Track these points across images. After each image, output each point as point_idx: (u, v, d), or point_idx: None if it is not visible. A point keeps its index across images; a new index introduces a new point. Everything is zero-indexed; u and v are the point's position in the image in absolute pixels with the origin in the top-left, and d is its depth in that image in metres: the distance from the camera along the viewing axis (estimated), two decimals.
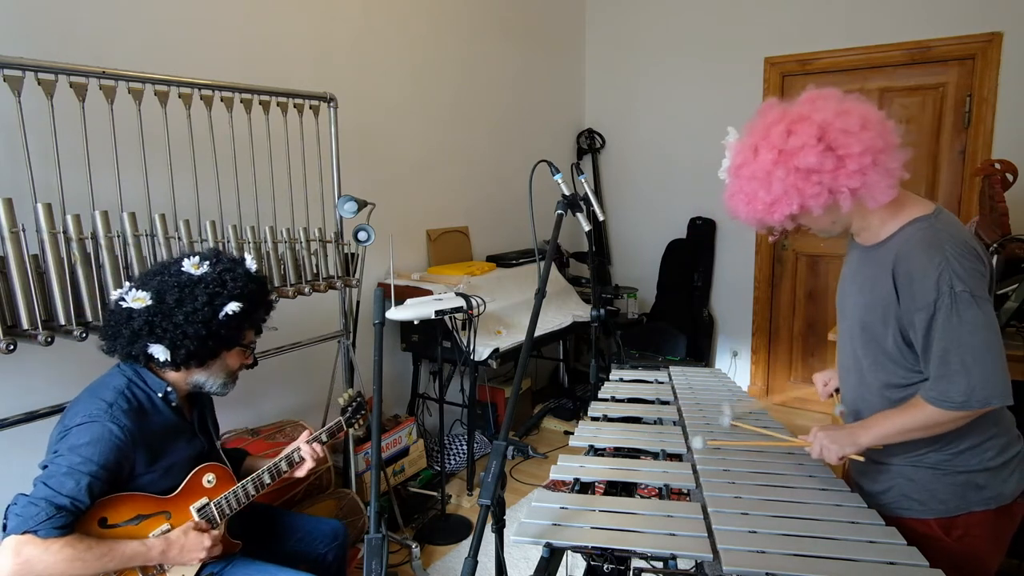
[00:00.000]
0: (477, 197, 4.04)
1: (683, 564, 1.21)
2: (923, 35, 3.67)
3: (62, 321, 1.68)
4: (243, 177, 2.23)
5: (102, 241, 1.77)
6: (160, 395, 1.54)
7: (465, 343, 2.95)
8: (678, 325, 4.45)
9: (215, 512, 1.59)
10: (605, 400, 2.08)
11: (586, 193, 1.78)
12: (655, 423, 1.95)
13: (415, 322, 2.91)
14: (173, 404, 1.57)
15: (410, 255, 3.58)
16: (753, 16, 4.20)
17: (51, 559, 1.29)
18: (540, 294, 1.35)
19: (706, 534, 1.25)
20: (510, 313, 3.48)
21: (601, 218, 1.82)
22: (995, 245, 2.43)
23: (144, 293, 1.49)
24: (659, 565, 1.23)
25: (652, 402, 2.07)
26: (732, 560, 1.16)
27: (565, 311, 3.82)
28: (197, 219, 2.08)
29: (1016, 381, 2.10)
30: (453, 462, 3.44)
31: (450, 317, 2.82)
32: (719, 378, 2.31)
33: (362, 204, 2.46)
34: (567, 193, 1.71)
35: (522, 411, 4.12)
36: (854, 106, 1.27)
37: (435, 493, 3.05)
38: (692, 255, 4.59)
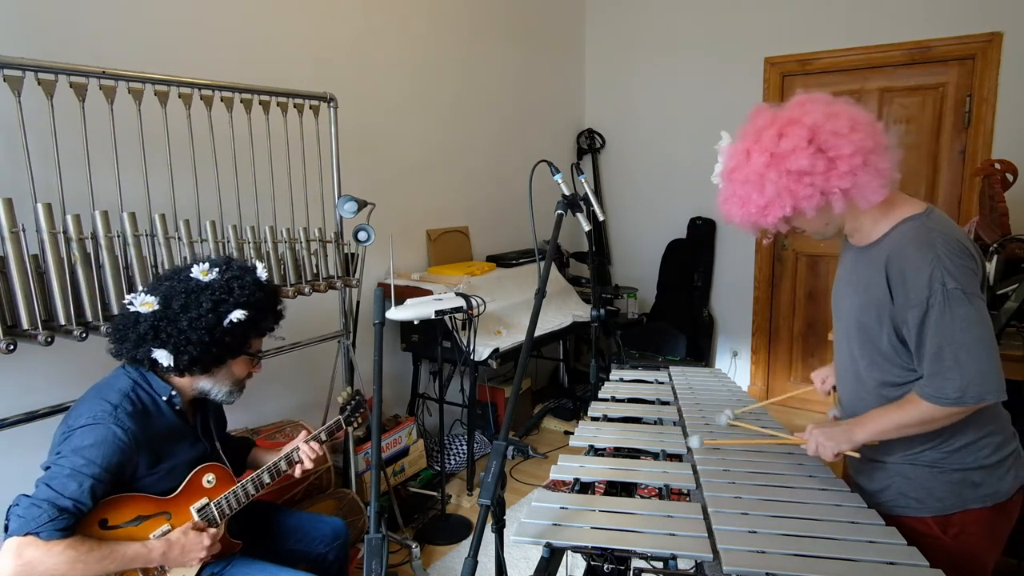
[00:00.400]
0: (477, 197, 4.04)
1: (683, 564, 1.21)
2: (923, 35, 3.67)
3: (62, 321, 1.68)
4: (243, 177, 2.23)
5: (102, 241, 1.77)
6: (164, 399, 1.54)
7: (465, 343, 2.95)
8: (678, 325, 4.46)
9: (215, 512, 1.59)
10: (605, 400, 2.08)
11: (586, 193, 1.78)
12: (655, 423, 1.95)
13: (415, 322, 2.91)
14: (177, 408, 1.57)
15: (410, 255, 3.58)
16: (753, 16, 4.20)
17: (53, 561, 1.29)
18: (540, 294, 1.35)
19: (706, 534, 1.25)
20: (510, 313, 3.48)
21: (601, 218, 1.82)
22: (995, 245, 2.43)
23: (152, 298, 1.50)
24: (659, 565, 1.23)
25: (652, 402, 2.07)
26: (732, 560, 1.16)
27: (565, 311, 3.82)
28: (197, 219, 2.08)
29: (1015, 380, 2.11)
30: (453, 462, 3.44)
31: (450, 317, 2.82)
32: (719, 378, 2.31)
33: (362, 204, 2.46)
34: (567, 193, 1.71)
35: (522, 411, 4.12)
36: (843, 108, 1.29)
37: (435, 493, 3.05)
38: (692, 255, 4.59)
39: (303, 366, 2.88)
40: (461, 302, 2.70)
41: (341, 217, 2.54)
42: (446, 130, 3.75)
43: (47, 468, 1.39)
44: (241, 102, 2.20)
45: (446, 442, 3.41)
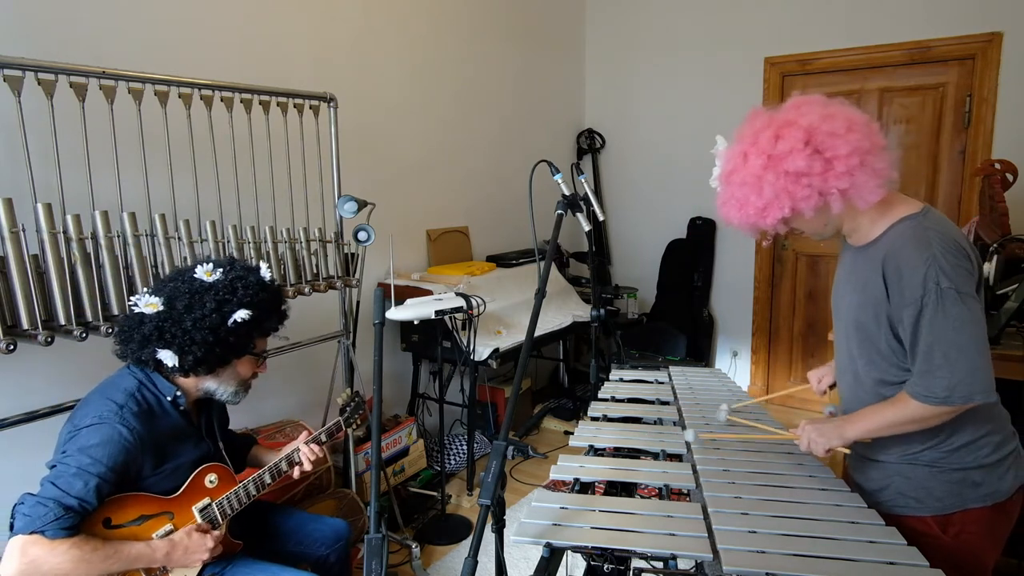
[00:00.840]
0: (477, 197, 4.04)
1: (683, 564, 1.21)
2: (923, 35, 3.67)
3: (62, 321, 1.68)
4: (243, 177, 2.23)
5: (102, 241, 1.77)
6: (169, 399, 1.55)
7: (465, 343, 2.95)
8: (678, 325, 4.46)
9: (217, 512, 1.60)
10: (605, 400, 2.08)
11: (586, 193, 1.78)
12: (655, 423, 1.95)
13: (415, 322, 2.91)
14: (182, 408, 1.58)
15: (410, 255, 3.58)
16: (753, 16, 4.20)
17: (57, 560, 1.29)
18: (540, 294, 1.35)
19: (706, 534, 1.25)
20: (510, 313, 3.48)
21: (601, 218, 1.82)
22: (995, 245, 2.43)
23: (156, 299, 1.50)
24: (659, 565, 1.23)
25: (652, 402, 2.07)
26: (732, 560, 1.16)
27: (565, 311, 3.82)
28: (197, 219, 2.08)
29: (1015, 381, 2.12)
30: (453, 462, 3.44)
31: (450, 317, 2.82)
32: (719, 378, 2.31)
33: (362, 204, 2.46)
34: (567, 193, 1.71)
35: (522, 411, 4.12)
36: (839, 110, 1.30)
37: (435, 493, 3.05)
38: (692, 255, 4.59)
39: (303, 366, 2.88)
40: (461, 302, 2.70)
41: (341, 217, 2.54)
42: (446, 130, 3.75)
43: (53, 467, 1.39)
44: (241, 102, 2.20)
45: (446, 442, 3.41)
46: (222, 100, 2.15)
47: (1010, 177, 2.78)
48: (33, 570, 1.28)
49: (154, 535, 1.47)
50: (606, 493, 1.64)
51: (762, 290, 4.44)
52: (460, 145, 3.87)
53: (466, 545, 2.73)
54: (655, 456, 1.68)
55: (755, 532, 1.25)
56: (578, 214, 1.74)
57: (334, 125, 2.53)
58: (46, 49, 1.93)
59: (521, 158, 4.33)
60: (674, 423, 1.89)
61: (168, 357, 1.48)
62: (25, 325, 1.62)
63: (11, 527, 1.35)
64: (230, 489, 1.64)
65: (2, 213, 1.57)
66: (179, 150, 2.05)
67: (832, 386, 1.75)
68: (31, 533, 1.29)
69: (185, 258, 2.01)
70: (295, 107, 2.41)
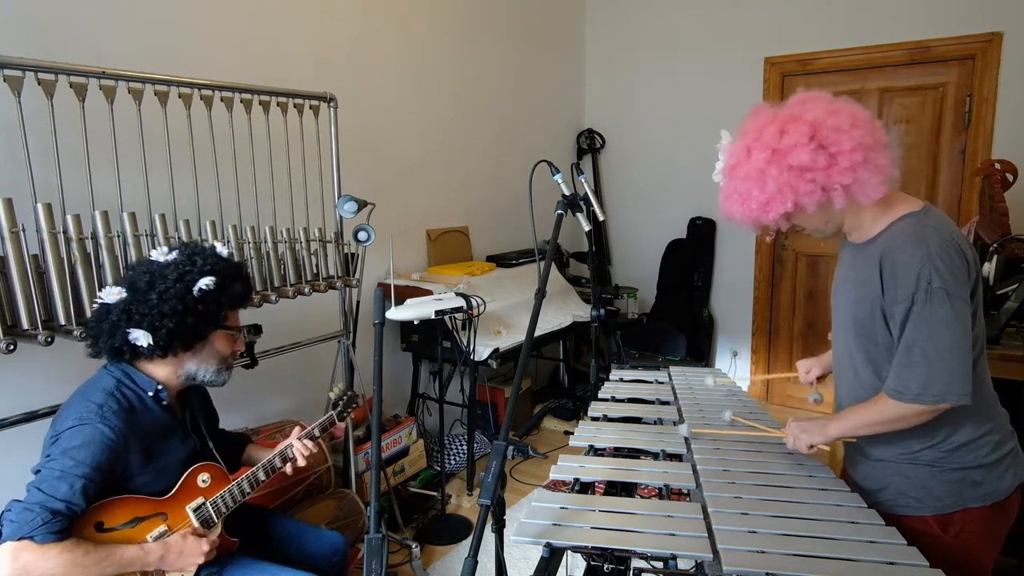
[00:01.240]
0: (477, 197, 4.04)
1: (683, 564, 1.21)
2: (923, 35, 3.67)
3: (62, 321, 1.68)
4: (243, 177, 2.23)
5: (102, 241, 1.77)
6: (151, 394, 1.53)
7: (465, 343, 2.95)
8: (678, 325, 4.45)
9: (211, 511, 1.59)
10: (605, 400, 2.08)
11: (586, 193, 1.78)
12: (655, 423, 1.95)
13: (415, 322, 2.91)
14: (164, 403, 1.56)
15: (410, 255, 3.58)
16: (753, 16, 4.20)
17: (49, 564, 1.28)
18: (540, 294, 1.35)
19: (706, 534, 1.25)
20: (510, 313, 3.48)
21: (601, 218, 1.82)
22: (995, 245, 2.43)
23: (117, 288, 1.50)
24: (659, 565, 1.23)
25: (652, 402, 2.07)
26: (732, 560, 1.16)
27: (565, 311, 3.82)
28: (197, 219, 2.07)
29: (1015, 381, 2.12)
30: (453, 462, 3.44)
31: (450, 317, 2.82)
32: (719, 378, 2.30)
33: (362, 204, 2.46)
34: (567, 193, 1.71)
35: (522, 411, 4.12)
36: (844, 106, 1.30)
37: (435, 493, 3.05)
38: (692, 255, 4.58)
39: (303, 366, 2.88)
40: (461, 302, 2.70)
41: (341, 217, 2.54)
42: (446, 130, 3.75)
43: (37, 472, 1.38)
44: (241, 102, 2.20)
45: (446, 442, 3.41)
46: (222, 100, 2.15)
47: (1010, 177, 2.78)
48: None
49: (148, 537, 1.46)
50: (606, 493, 1.64)
51: (762, 290, 4.44)
52: (460, 145, 3.87)
53: (466, 545, 2.73)
54: (655, 456, 1.68)
55: (755, 532, 1.25)
56: (578, 214, 1.74)
57: (334, 125, 2.53)
58: (46, 49, 1.93)
59: (521, 158, 4.33)
60: (674, 423, 1.89)
61: (142, 336, 1.46)
62: (25, 325, 1.61)
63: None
64: (224, 487, 1.63)
65: (2, 213, 1.57)
66: (179, 150, 2.05)
67: (820, 378, 1.79)
68: (20, 539, 1.27)
69: None
70: (295, 107, 2.41)
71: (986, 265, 2.40)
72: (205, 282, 1.51)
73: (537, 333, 1.86)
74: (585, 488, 1.56)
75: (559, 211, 1.63)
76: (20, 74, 1.64)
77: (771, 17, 4.13)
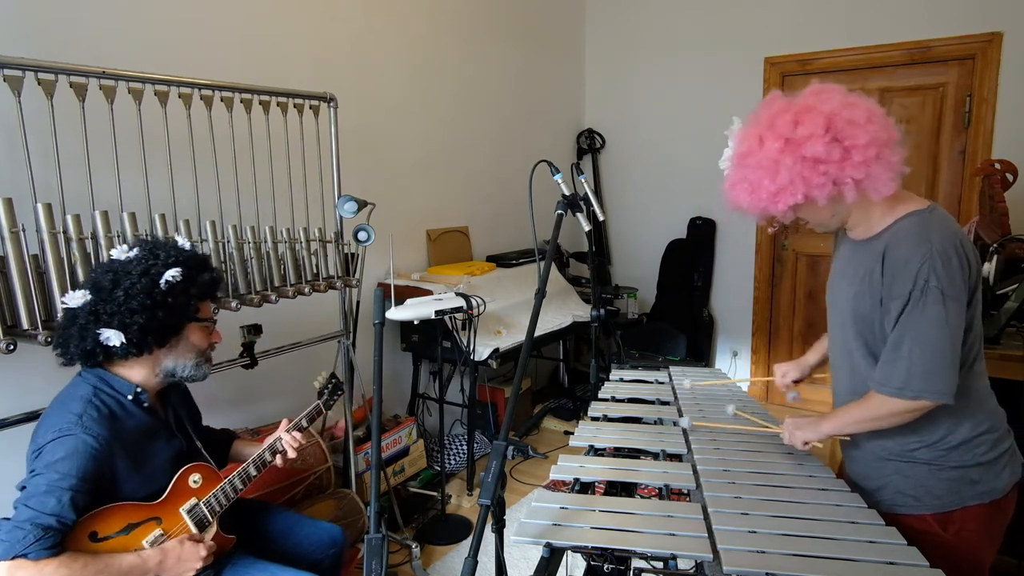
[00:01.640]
0: (477, 197, 4.04)
1: (683, 564, 1.21)
2: (923, 35, 3.67)
3: None
4: (243, 177, 2.22)
5: (102, 241, 1.77)
6: (130, 397, 1.51)
7: (465, 343, 2.95)
8: (678, 325, 4.45)
9: (205, 511, 1.58)
10: (605, 400, 2.08)
11: (586, 193, 1.78)
12: (655, 423, 1.95)
13: (415, 322, 2.91)
14: (145, 405, 1.54)
15: (410, 255, 3.58)
16: (753, 16, 4.20)
17: None
18: (540, 294, 1.35)
19: (706, 534, 1.25)
20: (510, 313, 3.48)
21: (601, 218, 1.82)
22: (995, 245, 2.43)
23: (80, 291, 1.47)
24: (659, 565, 1.23)
25: (652, 402, 2.07)
26: (732, 560, 1.16)
27: (565, 311, 3.82)
28: (197, 219, 2.07)
29: (1015, 381, 2.12)
30: (453, 462, 3.44)
31: (450, 317, 2.82)
32: (719, 378, 2.31)
33: (362, 204, 2.46)
34: (567, 193, 1.71)
35: (522, 411, 4.12)
36: (859, 100, 1.29)
37: (435, 493, 3.05)
38: (692, 255, 4.59)
39: (303, 366, 2.87)
40: (461, 302, 2.70)
41: (341, 217, 2.54)
42: (446, 130, 3.74)
43: (23, 488, 1.35)
44: (241, 102, 2.20)
45: (446, 442, 3.41)
46: (222, 100, 2.15)
47: (1010, 177, 2.78)
48: None
49: (144, 542, 1.44)
50: (606, 493, 1.64)
51: (762, 290, 4.44)
52: (460, 145, 3.86)
53: (466, 545, 2.73)
54: (655, 456, 1.68)
55: (755, 532, 1.25)
56: (578, 214, 1.74)
57: (334, 125, 2.53)
58: (46, 49, 1.93)
59: (521, 158, 4.33)
60: (674, 423, 1.89)
61: (113, 336, 1.43)
62: (25, 325, 1.61)
63: None
64: (215, 486, 1.61)
65: (2, 213, 1.57)
66: (179, 150, 2.05)
67: (797, 381, 1.83)
68: (13, 558, 1.25)
69: None
70: (295, 107, 2.41)
71: (986, 265, 2.40)
72: (171, 274, 1.48)
73: (537, 333, 1.86)
74: (585, 488, 1.56)
75: (559, 211, 1.63)
76: (20, 74, 1.64)
77: (771, 17, 4.13)
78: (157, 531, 1.48)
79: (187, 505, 1.56)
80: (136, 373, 1.54)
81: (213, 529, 1.60)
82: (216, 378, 2.17)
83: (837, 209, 1.37)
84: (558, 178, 1.79)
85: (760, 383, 4.53)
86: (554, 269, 4.19)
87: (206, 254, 1.86)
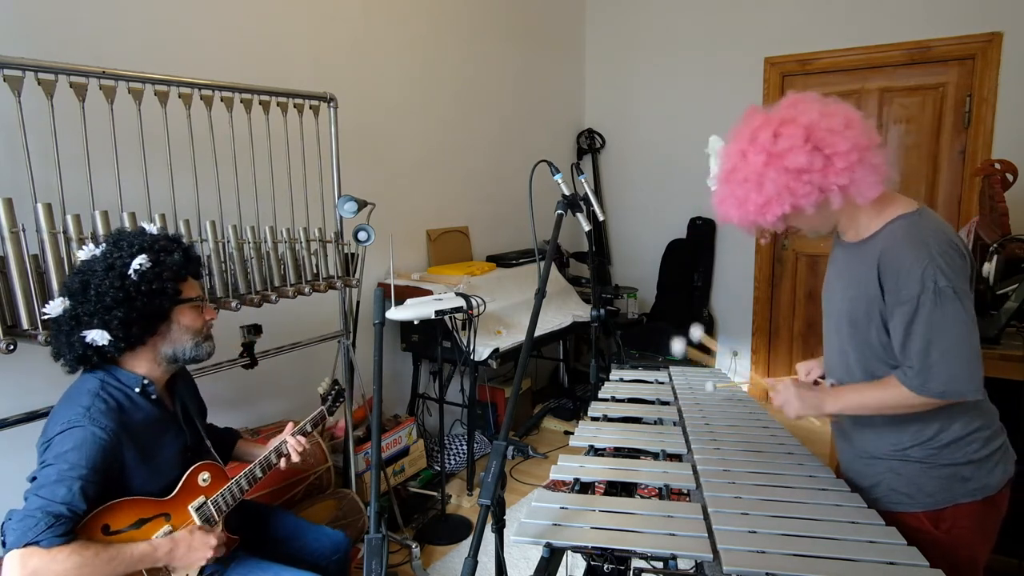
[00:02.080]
0: (477, 197, 4.04)
1: (683, 564, 1.21)
2: (923, 35, 3.67)
3: None
4: (243, 177, 2.23)
5: (102, 241, 1.77)
6: (137, 389, 1.52)
7: (465, 343, 2.95)
8: (678, 325, 4.44)
9: (213, 510, 1.59)
10: (605, 400, 2.08)
11: (586, 193, 1.78)
12: (655, 423, 1.95)
13: (415, 322, 2.91)
14: (152, 397, 1.55)
15: (410, 255, 3.58)
16: (753, 16, 4.20)
17: (59, 568, 1.28)
18: (540, 294, 1.35)
19: (706, 534, 1.25)
20: (510, 313, 3.48)
21: (601, 218, 1.82)
22: (995, 245, 2.43)
23: (58, 299, 1.48)
24: (659, 565, 1.23)
25: (652, 402, 2.07)
26: (732, 560, 1.16)
27: (565, 311, 3.82)
28: (197, 219, 2.08)
29: (1015, 381, 2.11)
30: (453, 462, 3.44)
31: (450, 317, 2.82)
32: (719, 378, 2.31)
33: (362, 204, 2.46)
34: (567, 193, 1.71)
35: (522, 411, 4.12)
36: (837, 107, 1.32)
37: (435, 493, 3.05)
38: (692, 255, 4.59)
39: (303, 366, 2.88)
40: (461, 302, 2.70)
41: (341, 217, 2.54)
42: (446, 130, 3.75)
43: (33, 479, 1.37)
44: (241, 102, 2.20)
45: (446, 442, 3.41)
46: (222, 100, 2.15)
47: (1010, 177, 2.78)
48: None
49: (154, 537, 1.47)
50: (606, 493, 1.64)
51: (762, 290, 4.44)
52: (460, 145, 3.87)
53: (466, 545, 2.73)
54: (655, 456, 1.68)
55: (755, 532, 1.25)
56: (578, 214, 1.74)
57: (334, 125, 2.53)
58: (46, 49, 1.93)
59: (521, 158, 4.33)
60: (674, 423, 1.89)
61: (98, 336, 1.44)
62: (25, 325, 1.61)
63: (2, 544, 1.33)
64: (223, 485, 1.63)
65: (2, 213, 1.57)
66: (179, 150, 2.05)
67: (817, 381, 1.77)
68: (26, 545, 1.26)
69: None
70: (295, 107, 2.41)
71: (986, 265, 2.40)
72: (138, 262, 1.47)
73: (537, 333, 1.86)
74: (585, 488, 1.56)
75: (559, 211, 1.63)
76: (20, 74, 1.64)
77: (771, 17, 4.13)
78: (166, 527, 1.50)
79: (196, 503, 1.57)
80: (140, 365, 1.55)
81: (219, 528, 1.61)
82: (216, 378, 2.17)
83: (826, 215, 1.39)
84: (558, 178, 1.79)
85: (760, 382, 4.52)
86: (554, 269, 4.19)
87: (177, 234, 1.82)
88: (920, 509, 1.40)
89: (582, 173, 2.15)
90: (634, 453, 1.71)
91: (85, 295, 1.45)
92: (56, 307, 1.47)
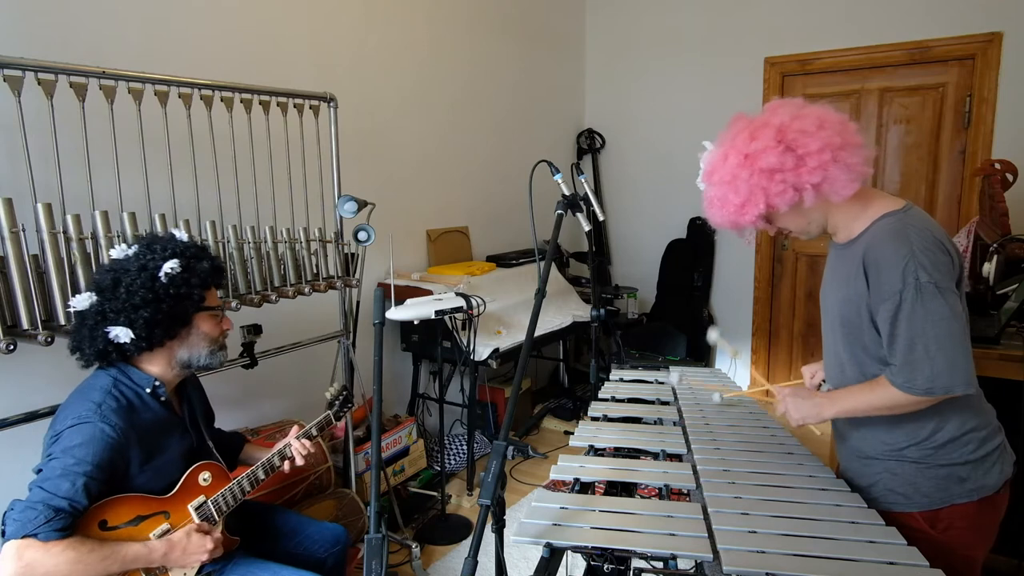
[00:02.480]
0: (477, 197, 4.04)
1: (683, 564, 1.21)
2: (923, 35, 3.67)
3: (62, 321, 1.68)
4: (243, 177, 2.22)
5: (102, 241, 1.77)
6: (148, 390, 1.54)
7: (465, 343, 2.95)
8: (678, 325, 4.45)
9: (212, 510, 1.59)
10: (605, 400, 2.08)
11: (586, 193, 1.78)
12: (655, 423, 1.95)
13: (415, 322, 2.90)
14: (162, 399, 1.57)
15: (410, 255, 3.58)
16: (753, 16, 4.20)
17: (53, 562, 1.29)
18: (540, 294, 1.36)
19: (706, 534, 1.25)
20: (510, 313, 3.48)
21: (601, 218, 1.82)
22: (995, 245, 2.43)
23: (85, 293, 1.51)
24: (659, 565, 1.23)
25: (652, 402, 2.07)
26: (732, 560, 1.16)
27: (565, 311, 3.82)
28: (197, 219, 2.07)
29: (1015, 381, 2.11)
30: (453, 462, 3.44)
31: (450, 317, 2.82)
32: (719, 378, 2.31)
33: (362, 204, 2.46)
34: (567, 193, 1.71)
35: (522, 411, 4.12)
36: (812, 110, 1.35)
37: (435, 493, 3.05)
38: (692, 255, 4.59)
39: (303, 366, 2.88)
40: (461, 302, 2.70)
41: (341, 217, 2.54)
42: (446, 130, 3.75)
43: (39, 471, 1.38)
44: (241, 102, 2.20)
45: (446, 442, 3.41)
46: (222, 100, 2.15)
47: (1010, 177, 2.78)
48: (29, 573, 1.27)
49: (151, 535, 1.47)
50: (606, 493, 1.64)
51: (762, 290, 4.44)
52: (460, 145, 3.87)
53: (466, 545, 2.73)
54: (655, 456, 1.68)
55: (755, 532, 1.26)
56: (578, 214, 1.74)
57: (334, 125, 2.53)
58: (46, 49, 1.93)
59: (521, 158, 4.33)
60: (674, 423, 1.89)
61: (122, 333, 1.46)
62: (25, 325, 1.61)
63: (2, 534, 1.34)
64: (224, 486, 1.63)
65: (2, 213, 1.57)
66: (179, 150, 2.05)
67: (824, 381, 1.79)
68: (24, 537, 1.28)
69: None
70: (295, 107, 2.41)
71: (986, 265, 2.40)
72: (170, 265, 1.51)
73: (537, 333, 1.86)
74: (585, 488, 1.56)
75: (559, 211, 1.63)
76: (20, 74, 1.64)
77: (771, 17, 4.13)
78: (164, 525, 1.50)
79: (195, 502, 1.57)
80: (154, 367, 1.57)
81: (218, 528, 1.61)
82: (216, 378, 2.17)
83: (810, 216, 1.42)
84: (558, 178, 1.79)
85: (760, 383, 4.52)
86: (554, 269, 4.19)
87: (205, 244, 1.88)
88: (916, 509, 1.40)
89: (582, 173, 2.15)
90: (634, 453, 1.71)
91: (115, 292, 1.47)
92: (83, 301, 1.50)
